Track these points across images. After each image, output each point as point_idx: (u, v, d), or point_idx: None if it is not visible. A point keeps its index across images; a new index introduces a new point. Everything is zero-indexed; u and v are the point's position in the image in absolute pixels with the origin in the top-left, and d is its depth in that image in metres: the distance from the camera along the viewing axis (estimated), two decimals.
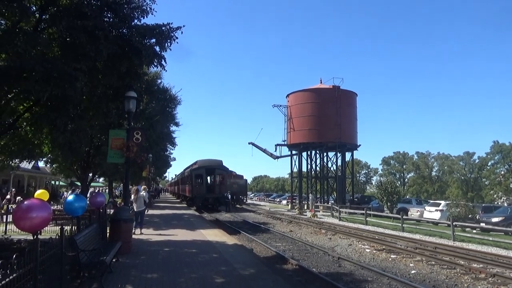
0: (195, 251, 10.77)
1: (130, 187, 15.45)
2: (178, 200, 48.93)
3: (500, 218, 22.87)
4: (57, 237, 5.70)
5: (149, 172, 32.25)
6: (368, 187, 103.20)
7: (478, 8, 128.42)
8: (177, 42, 9.43)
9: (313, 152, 41.54)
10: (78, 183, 26.95)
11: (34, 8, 8.60)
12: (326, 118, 36.88)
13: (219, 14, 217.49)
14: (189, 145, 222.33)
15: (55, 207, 19.22)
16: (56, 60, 7.78)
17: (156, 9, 9.40)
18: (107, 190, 35.89)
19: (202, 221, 20.76)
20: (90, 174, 20.50)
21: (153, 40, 9.37)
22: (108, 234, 10.09)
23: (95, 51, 7.86)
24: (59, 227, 5.94)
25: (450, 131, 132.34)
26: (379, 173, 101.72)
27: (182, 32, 9.42)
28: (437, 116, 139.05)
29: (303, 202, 38.48)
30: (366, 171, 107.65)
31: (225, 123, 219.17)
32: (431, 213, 26.25)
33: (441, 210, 25.72)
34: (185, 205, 37.73)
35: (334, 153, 40.11)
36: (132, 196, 14.68)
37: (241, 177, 44.74)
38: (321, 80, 41.40)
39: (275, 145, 42.45)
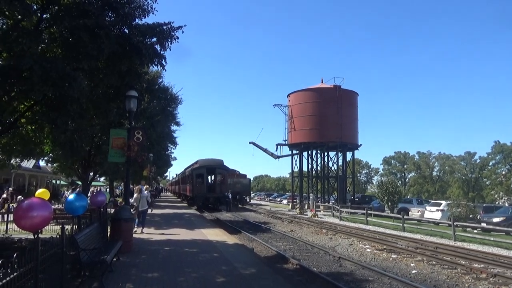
0: (195, 251, 10.77)
1: (132, 186, 15.49)
2: (179, 200, 48.94)
3: (501, 218, 22.83)
4: (58, 236, 5.70)
5: (150, 172, 32.24)
6: (369, 187, 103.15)
7: (480, 7, 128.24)
8: (178, 42, 9.44)
9: (314, 151, 41.52)
10: (79, 182, 27.00)
11: (36, 7, 8.61)
12: (327, 118, 36.84)
13: (219, 12, 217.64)
14: (190, 144, 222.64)
15: (56, 206, 19.24)
16: (57, 60, 7.77)
17: (157, 8, 9.39)
18: (108, 189, 35.93)
19: (203, 221, 20.76)
20: (91, 173, 20.53)
21: (154, 39, 9.37)
22: (109, 233, 10.09)
23: (97, 50, 7.85)
24: (60, 226, 5.95)
25: (451, 131, 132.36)
26: (380, 173, 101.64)
27: (183, 32, 9.43)
28: (438, 116, 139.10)
29: (304, 202, 38.45)
30: (367, 170, 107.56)
31: (226, 123, 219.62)
32: (432, 213, 26.21)
33: (442, 210, 25.68)
34: (186, 204, 37.73)
35: (335, 152, 40.04)
36: (135, 195, 14.70)
37: (245, 176, 44.33)
38: (322, 80, 41.38)
39: (276, 145, 42.45)
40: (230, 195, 33.71)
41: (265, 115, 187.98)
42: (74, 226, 7.94)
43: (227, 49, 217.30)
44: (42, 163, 34.27)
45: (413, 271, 10.63)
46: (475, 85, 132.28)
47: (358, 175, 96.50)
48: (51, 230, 11.88)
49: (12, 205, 17.73)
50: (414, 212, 28.38)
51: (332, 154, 41.18)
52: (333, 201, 37.58)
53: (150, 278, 7.50)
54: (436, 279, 9.81)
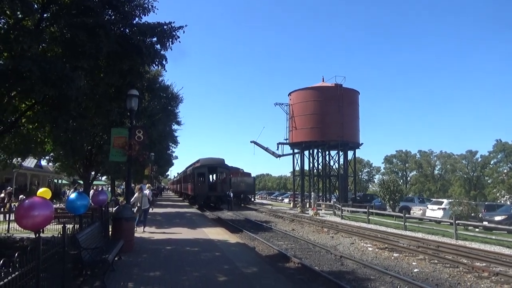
0: (197, 250, 10.78)
1: (133, 185, 15.51)
2: (181, 199, 48.97)
3: (503, 217, 22.76)
4: (59, 235, 5.70)
5: (152, 171, 32.28)
6: (370, 186, 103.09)
7: (483, 5, 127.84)
8: (179, 41, 9.39)
9: (315, 150, 41.48)
10: (81, 182, 27.02)
11: (36, 6, 8.59)
12: (328, 117, 36.80)
13: (220, 11, 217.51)
14: (191, 143, 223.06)
15: (58, 205, 19.27)
16: (57, 60, 7.76)
17: (157, 6, 9.36)
18: (109, 188, 35.97)
19: (204, 220, 20.77)
20: (93, 173, 20.52)
21: (155, 39, 9.34)
22: (110, 232, 10.10)
23: (95, 49, 7.83)
24: (62, 225, 5.95)
25: (452, 129, 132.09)
26: (381, 171, 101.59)
27: (184, 32, 9.39)
28: (439, 115, 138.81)
29: (305, 201, 38.44)
30: (368, 169, 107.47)
31: (227, 122, 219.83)
32: (434, 211, 26.17)
33: (443, 209, 25.64)
34: (187, 203, 37.76)
35: (336, 151, 40.05)
36: (136, 194, 14.72)
37: (249, 174, 43.84)
38: (323, 79, 41.34)
39: (277, 144, 42.40)
40: (231, 194, 33.71)
41: (266, 114, 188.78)
42: (75, 225, 7.94)
43: (228, 47, 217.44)
44: (43, 162, 34.30)
45: (415, 270, 10.61)
46: (478, 84, 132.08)
47: (360, 173, 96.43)
48: (52, 229, 11.87)
49: (14, 204, 17.77)
50: (416, 211, 28.32)
51: (333, 152, 41.24)
52: (335, 200, 37.53)
53: (151, 277, 7.50)
54: (438, 278, 9.79)
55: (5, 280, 3.71)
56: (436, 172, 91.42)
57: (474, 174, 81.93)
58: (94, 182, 27.60)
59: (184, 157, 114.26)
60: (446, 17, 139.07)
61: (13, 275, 3.87)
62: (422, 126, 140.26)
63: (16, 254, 4.04)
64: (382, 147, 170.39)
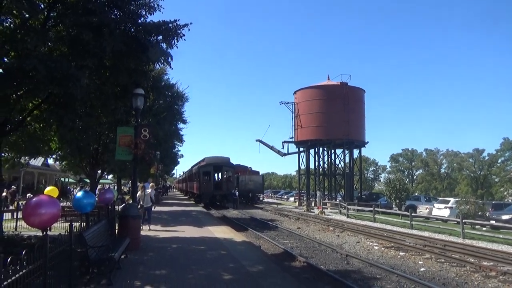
0: (203, 248, 10.80)
1: (139, 184, 15.57)
2: (186, 197, 49.13)
3: (511, 216, 22.56)
4: (66, 233, 5.74)
5: (157, 169, 32.39)
6: (376, 184, 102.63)
7: (487, 3, 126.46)
8: (185, 39, 9.37)
9: (321, 149, 41.40)
10: (87, 180, 27.17)
11: (42, 6, 8.64)
12: (334, 115, 36.69)
13: (226, 9, 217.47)
14: (196, 141, 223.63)
15: (65, 203, 19.41)
16: (62, 59, 7.79)
17: (163, 5, 9.36)
18: (115, 186, 36.16)
19: (210, 218, 20.81)
20: (99, 171, 20.63)
21: (160, 37, 9.34)
22: (116, 230, 10.14)
23: (99, 48, 7.85)
24: (68, 223, 5.99)
25: (459, 127, 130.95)
26: (387, 170, 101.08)
27: (189, 30, 9.38)
28: (446, 113, 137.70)
29: (311, 199, 38.38)
30: (374, 168, 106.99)
31: (232, 120, 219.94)
32: (440, 210, 26.00)
33: (450, 208, 25.45)
34: (193, 202, 37.88)
35: (341, 150, 39.93)
36: (138, 193, 14.77)
37: (257, 173, 43.52)
38: (328, 77, 41.21)
39: (283, 142, 42.41)
40: (237, 192, 33.75)
41: (272, 112, 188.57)
42: (82, 223, 7.99)
43: (233, 46, 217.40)
44: (50, 161, 34.61)
45: (422, 269, 10.55)
46: (485, 81, 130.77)
47: (365, 172, 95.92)
48: (59, 228, 11.95)
49: (22, 203, 17.90)
50: (422, 210, 28.19)
51: (338, 151, 41.13)
52: (340, 199, 37.43)
53: (157, 275, 7.53)
54: (445, 277, 9.73)
55: (13, 278, 3.74)
56: (442, 170, 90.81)
57: (481, 173, 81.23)
58: (101, 181, 27.78)
59: (189, 155, 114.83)
60: (456, 12, 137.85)
61: (20, 273, 3.90)
62: (428, 124, 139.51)
63: (23, 252, 4.08)
64: (388, 146, 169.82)
